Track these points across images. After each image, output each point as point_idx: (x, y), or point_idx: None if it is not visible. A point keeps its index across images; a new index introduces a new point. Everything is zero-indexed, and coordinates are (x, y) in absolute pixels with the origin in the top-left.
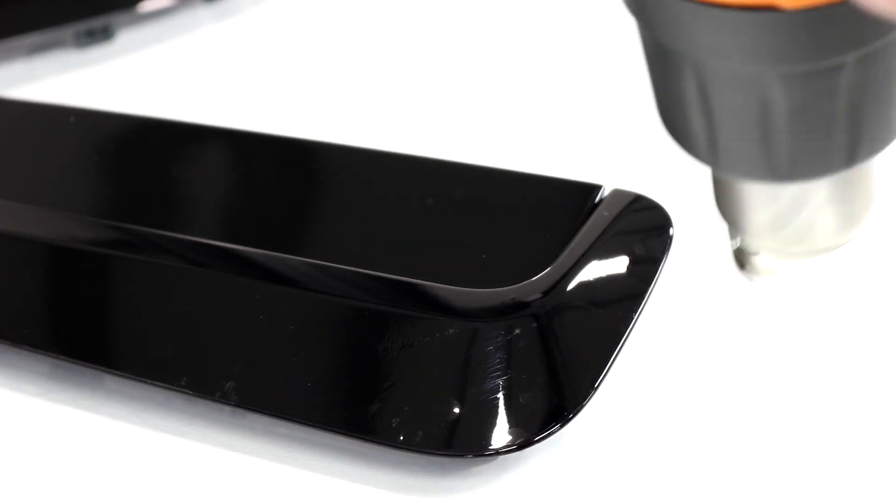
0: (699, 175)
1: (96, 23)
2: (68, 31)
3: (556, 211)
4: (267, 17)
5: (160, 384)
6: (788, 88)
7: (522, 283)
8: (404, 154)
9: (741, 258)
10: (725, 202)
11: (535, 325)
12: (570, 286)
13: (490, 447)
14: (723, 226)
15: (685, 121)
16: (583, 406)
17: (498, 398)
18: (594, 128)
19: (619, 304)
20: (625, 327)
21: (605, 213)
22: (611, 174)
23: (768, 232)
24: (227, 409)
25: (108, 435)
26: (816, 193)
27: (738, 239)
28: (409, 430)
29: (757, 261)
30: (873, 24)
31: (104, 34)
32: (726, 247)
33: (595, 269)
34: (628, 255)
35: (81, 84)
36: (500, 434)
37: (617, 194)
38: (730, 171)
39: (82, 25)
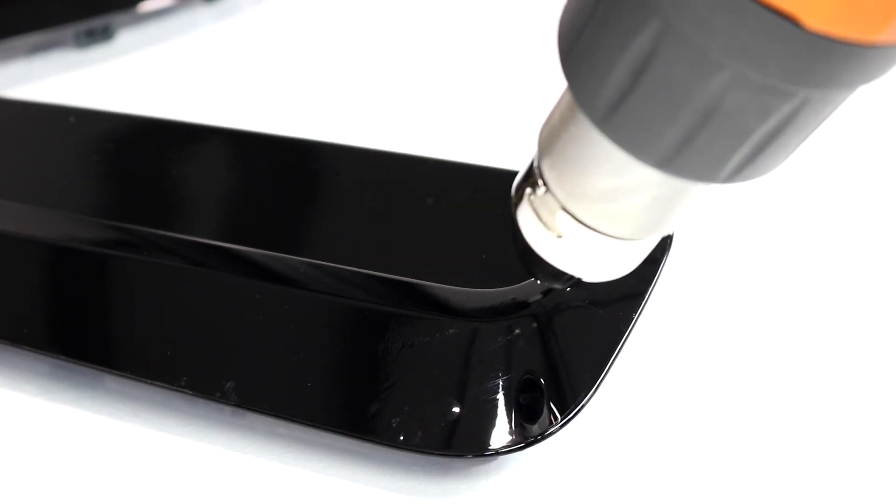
0: None
1: (96, 23)
2: (68, 31)
3: None
4: (267, 17)
5: (160, 384)
6: (735, 90)
7: (522, 283)
8: (404, 154)
9: (537, 208)
10: (564, 151)
11: (535, 325)
12: (571, 286)
13: (490, 447)
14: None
15: (604, 70)
16: (583, 406)
17: (498, 398)
18: None
19: (619, 304)
20: (625, 327)
21: None
22: None
23: (588, 198)
24: (227, 409)
25: (108, 435)
26: (658, 188)
27: (545, 188)
28: (409, 430)
29: (550, 217)
30: (853, 72)
31: (104, 34)
32: (527, 197)
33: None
34: None
35: (81, 84)
36: (500, 434)
37: None
38: (613, 134)
39: (82, 25)
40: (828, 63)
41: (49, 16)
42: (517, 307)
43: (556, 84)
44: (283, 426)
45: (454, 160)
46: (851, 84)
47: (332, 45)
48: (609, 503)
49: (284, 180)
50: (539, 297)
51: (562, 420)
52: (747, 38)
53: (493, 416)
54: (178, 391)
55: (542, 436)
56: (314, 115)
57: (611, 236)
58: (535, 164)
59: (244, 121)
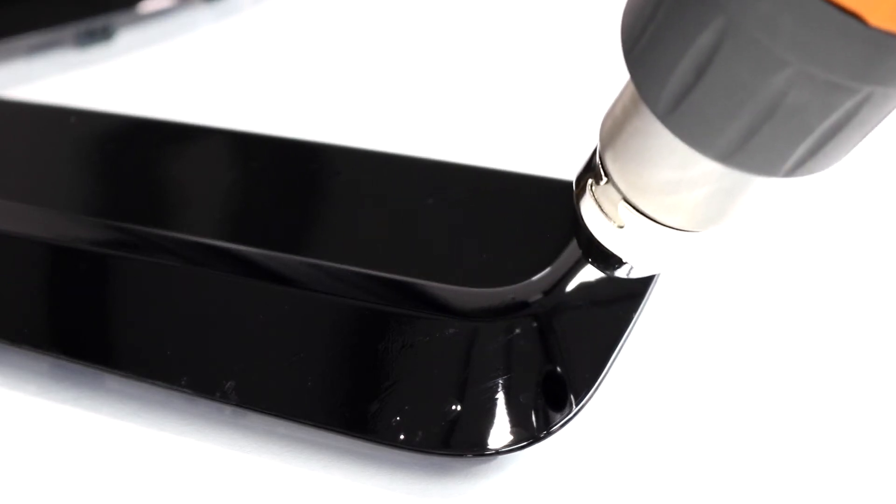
0: None
1: (96, 23)
2: (68, 31)
3: (556, 211)
4: (267, 17)
5: (160, 384)
6: (799, 86)
7: (522, 283)
8: (404, 154)
9: (599, 199)
10: (626, 143)
11: (535, 324)
12: (570, 286)
13: (490, 447)
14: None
15: (668, 65)
16: (583, 406)
17: (498, 398)
18: (595, 128)
19: (619, 304)
20: (625, 327)
21: None
22: None
23: (650, 190)
24: (227, 409)
25: (108, 434)
26: (720, 181)
27: (606, 179)
28: (409, 430)
29: (612, 208)
30: None
31: (104, 34)
32: (588, 189)
33: (595, 269)
34: None
35: (81, 84)
36: (500, 434)
37: None
38: (677, 128)
39: (82, 25)
40: (891, 60)
41: (49, 16)
42: (517, 307)
43: (555, 84)
44: (283, 426)
45: (454, 161)
46: None
47: (332, 45)
48: (609, 503)
49: (284, 180)
50: (539, 297)
51: (562, 420)
52: (811, 36)
53: (493, 415)
54: (178, 391)
55: (542, 436)
56: (314, 116)
57: (671, 227)
58: (597, 156)
59: (244, 121)
